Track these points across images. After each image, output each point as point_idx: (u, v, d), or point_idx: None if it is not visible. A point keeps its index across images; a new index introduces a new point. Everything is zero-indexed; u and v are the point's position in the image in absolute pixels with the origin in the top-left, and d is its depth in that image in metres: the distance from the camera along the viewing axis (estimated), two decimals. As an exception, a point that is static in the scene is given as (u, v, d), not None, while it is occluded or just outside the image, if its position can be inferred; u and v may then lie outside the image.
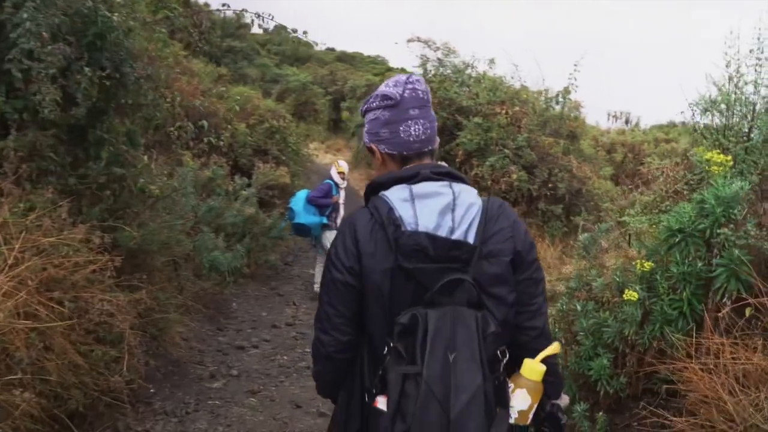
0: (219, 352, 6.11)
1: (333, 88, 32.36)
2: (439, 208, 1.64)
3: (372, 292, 1.65)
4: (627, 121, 20.29)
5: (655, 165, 5.74)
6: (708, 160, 3.63)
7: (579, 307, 3.91)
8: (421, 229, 1.61)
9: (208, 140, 9.16)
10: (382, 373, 1.57)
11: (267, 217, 9.45)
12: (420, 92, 1.79)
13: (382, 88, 1.80)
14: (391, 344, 1.57)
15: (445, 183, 1.70)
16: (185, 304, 5.96)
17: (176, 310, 5.47)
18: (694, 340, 3.19)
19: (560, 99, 8.58)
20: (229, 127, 11.31)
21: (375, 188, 1.77)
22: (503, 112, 8.91)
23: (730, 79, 4.49)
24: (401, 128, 1.75)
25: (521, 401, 1.68)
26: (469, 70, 9.11)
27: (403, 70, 38.82)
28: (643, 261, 3.66)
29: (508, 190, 8.40)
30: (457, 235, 1.62)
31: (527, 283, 1.74)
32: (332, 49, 48.99)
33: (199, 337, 6.27)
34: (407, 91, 1.77)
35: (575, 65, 8.46)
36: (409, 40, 9.14)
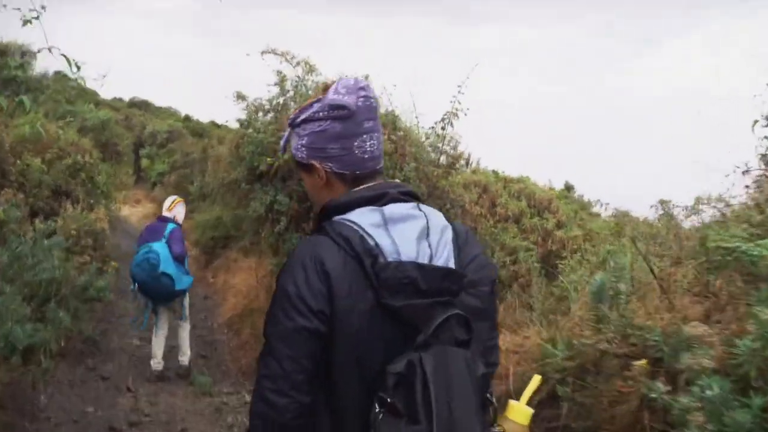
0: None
1: (129, 137, 29.60)
2: (415, 234, 1.45)
3: (345, 339, 1.40)
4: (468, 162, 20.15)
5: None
6: None
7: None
8: (405, 258, 1.40)
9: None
10: None
11: (78, 274, 7.17)
12: (372, 100, 1.57)
13: (332, 96, 1.55)
14: (387, 400, 1.33)
15: (414, 204, 1.54)
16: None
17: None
18: None
19: (443, 126, 7.51)
20: (18, 162, 8.86)
21: (331, 211, 1.53)
22: (385, 137, 7.66)
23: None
24: (355, 143, 1.55)
25: None
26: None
27: (214, 123, 37.46)
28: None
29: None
30: (439, 264, 1.42)
31: (491, 311, 1.61)
32: (120, 99, 45.86)
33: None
34: (360, 100, 1.53)
35: (459, 87, 7.43)
36: (263, 52, 7.55)
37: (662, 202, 12.07)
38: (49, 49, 2.93)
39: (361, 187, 1.56)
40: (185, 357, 7.10)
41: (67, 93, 34.03)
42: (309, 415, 1.45)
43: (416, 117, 8.04)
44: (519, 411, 1.65)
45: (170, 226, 6.83)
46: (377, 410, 1.34)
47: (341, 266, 1.42)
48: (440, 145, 7.77)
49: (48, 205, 8.65)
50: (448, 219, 1.58)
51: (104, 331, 8.41)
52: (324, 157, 1.57)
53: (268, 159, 7.14)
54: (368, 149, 1.56)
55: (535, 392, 1.74)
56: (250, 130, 7.61)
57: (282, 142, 1.75)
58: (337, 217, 1.50)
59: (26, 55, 16.82)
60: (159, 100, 48.32)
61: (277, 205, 7.26)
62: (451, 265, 1.45)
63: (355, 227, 1.44)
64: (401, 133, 7.41)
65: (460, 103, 7.53)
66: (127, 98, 47.40)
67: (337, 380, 1.44)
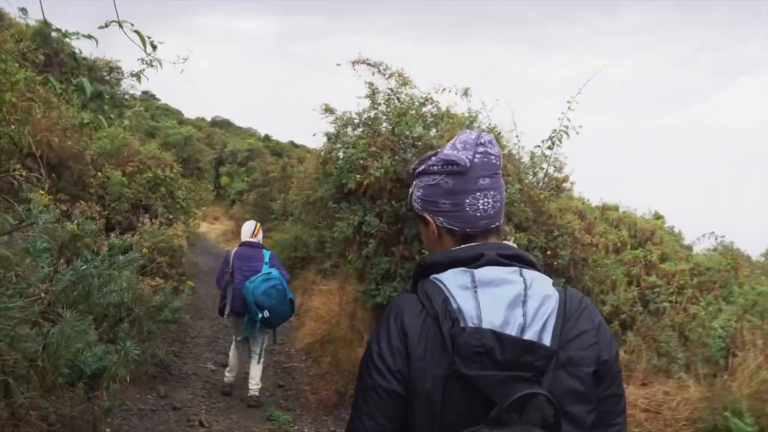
0: None
1: (210, 153, 29.99)
2: (507, 300, 1.34)
3: (420, 403, 1.34)
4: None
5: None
6: None
7: None
8: (486, 325, 1.31)
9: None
10: None
11: (154, 293, 6.74)
12: (493, 157, 1.51)
13: (448, 151, 1.51)
14: None
15: (515, 269, 1.41)
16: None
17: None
18: None
19: (550, 146, 6.77)
20: (99, 174, 8.61)
21: (426, 270, 1.48)
22: None
23: None
24: (467, 201, 1.49)
25: None
26: (429, 106, 7.12)
27: (293, 143, 37.55)
28: None
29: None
30: (529, 335, 1.31)
31: (612, 400, 1.42)
32: (203, 119, 47.15)
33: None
34: (477, 156, 1.48)
35: (569, 103, 6.67)
36: (355, 62, 7.01)
37: (786, 236, 10.83)
38: (120, 24, 2.38)
39: (462, 246, 1.49)
40: (257, 387, 6.76)
41: (152, 111, 35.01)
42: None
43: (517, 136, 7.33)
44: None
45: (267, 252, 6.75)
46: None
47: (420, 326, 1.37)
48: (546, 165, 7.02)
49: (126, 220, 8.34)
50: (561, 288, 1.45)
51: (178, 353, 7.97)
52: (436, 210, 1.53)
53: (357, 176, 6.56)
54: (481, 207, 1.49)
55: None
56: (339, 145, 7.06)
57: (411, 190, 1.65)
58: (432, 276, 1.45)
59: (113, 71, 17.03)
60: (240, 121, 49.55)
61: (366, 226, 6.67)
62: (546, 338, 1.33)
63: (442, 287, 1.39)
64: (503, 151, 6.72)
65: (569, 120, 6.79)
66: (209, 118, 48.67)
67: None
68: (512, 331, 1.31)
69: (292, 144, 37.51)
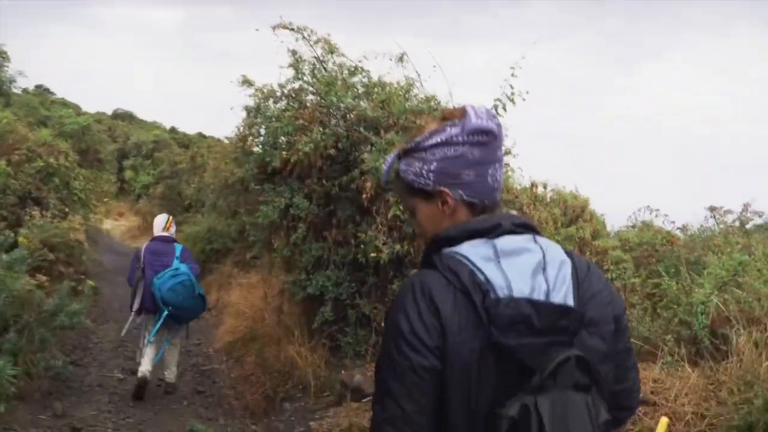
0: None
1: (111, 145, 28.26)
2: (530, 269, 1.34)
3: (455, 378, 1.31)
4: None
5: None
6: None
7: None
8: (517, 294, 1.30)
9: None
10: None
11: (47, 295, 5.78)
12: (503, 130, 1.50)
13: (475, 120, 1.43)
14: None
15: (529, 236, 1.42)
16: None
17: None
18: None
19: (497, 111, 6.24)
20: (-22, 164, 7.48)
21: (439, 244, 1.43)
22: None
23: None
24: (489, 171, 1.46)
25: None
26: (360, 76, 6.43)
27: (202, 135, 36.00)
28: None
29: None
30: (557, 300, 1.32)
31: (623, 355, 1.48)
32: (104, 113, 44.67)
33: None
34: (496, 127, 1.45)
35: (512, 69, 6.14)
36: (276, 27, 6.24)
37: (713, 209, 10.82)
38: None
39: (474, 219, 1.46)
40: (173, 375, 6.69)
41: (47, 105, 32.66)
42: None
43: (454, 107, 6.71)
44: None
45: (178, 247, 6.61)
46: None
47: (452, 302, 1.33)
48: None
49: (13, 214, 7.24)
50: (567, 252, 1.45)
51: (79, 362, 7.00)
52: (456, 183, 1.46)
53: (284, 153, 5.82)
54: (498, 179, 1.48)
55: None
56: (260, 119, 6.28)
57: (386, 168, 1.57)
58: (446, 250, 1.41)
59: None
60: (144, 114, 47.41)
61: (294, 209, 5.94)
62: (570, 301, 1.33)
63: (465, 261, 1.36)
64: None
65: (512, 87, 6.24)
66: (110, 112, 46.22)
67: (446, 423, 1.34)
68: (540, 297, 1.31)
69: (201, 135, 36.03)
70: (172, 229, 6.81)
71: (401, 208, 5.64)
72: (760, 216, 9.92)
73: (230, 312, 9.43)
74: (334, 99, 5.96)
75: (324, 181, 5.96)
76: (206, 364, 8.10)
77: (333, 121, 6.11)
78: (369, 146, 5.72)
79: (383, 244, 5.45)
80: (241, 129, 6.39)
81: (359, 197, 5.73)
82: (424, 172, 1.48)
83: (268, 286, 7.67)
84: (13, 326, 5.47)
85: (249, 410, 6.34)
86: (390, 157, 1.57)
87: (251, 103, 6.43)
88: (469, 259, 1.36)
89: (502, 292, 1.30)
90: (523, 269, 1.34)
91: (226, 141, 6.90)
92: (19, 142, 8.48)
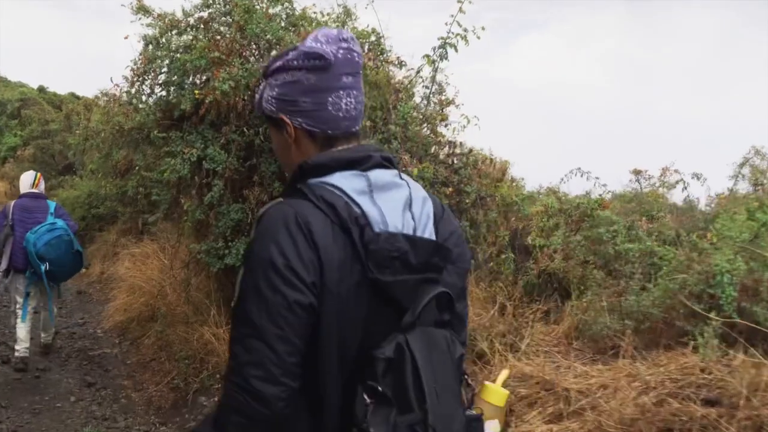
0: None
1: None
2: (401, 204, 1.34)
3: (329, 317, 1.24)
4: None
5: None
6: None
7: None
8: (392, 229, 1.28)
9: None
10: (364, 429, 1.19)
11: None
12: (356, 55, 1.40)
13: (310, 43, 1.37)
14: (378, 389, 1.20)
15: (395, 171, 1.40)
16: None
17: None
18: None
19: (445, 52, 5.36)
20: None
21: (307, 173, 1.35)
22: (367, 62, 5.26)
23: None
24: (330, 99, 1.37)
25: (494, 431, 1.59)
26: (282, 6, 5.40)
27: (74, 95, 33.28)
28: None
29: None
30: (425, 237, 1.33)
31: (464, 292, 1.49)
32: None
33: None
34: (341, 52, 1.37)
35: (451, 18, 5.28)
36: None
37: (637, 172, 10.59)
38: None
39: (340, 148, 1.39)
40: (51, 336, 6.61)
41: None
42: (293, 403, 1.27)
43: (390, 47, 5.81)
44: (495, 392, 1.66)
45: (52, 204, 6.33)
46: (367, 402, 1.21)
47: (331, 236, 1.25)
48: (431, 84, 5.61)
49: None
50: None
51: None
52: (294, 110, 1.39)
53: (196, 92, 4.74)
54: (344, 107, 1.38)
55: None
56: (162, 52, 5.13)
57: (257, 97, 1.49)
58: (314, 180, 1.33)
59: None
60: (7, 73, 43.33)
61: (208, 162, 4.88)
62: (434, 238, 1.36)
63: (339, 193, 1.30)
64: (388, 59, 5.22)
65: (461, 24, 5.41)
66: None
67: (317, 364, 1.27)
68: (409, 233, 1.30)
69: (73, 96, 33.08)
70: (41, 186, 6.45)
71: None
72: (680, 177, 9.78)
73: (121, 287, 8.17)
74: (256, 29, 4.92)
75: (245, 129, 4.94)
76: (95, 348, 6.93)
77: (253, 57, 5.08)
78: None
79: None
80: (138, 65, 5.20)
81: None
82: (269, 97, 1.42)
83: (171, 257, 6.56)
84: None
85: (153, 405, 5.32)
86: (261, 86, 1.48)
87: (150, 33, 5.25)
88: (344, 191, 1.30)
89: (378, 227, 1.27)
90: (394, 204, 1.32)
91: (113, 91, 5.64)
92: None
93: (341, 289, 1.24)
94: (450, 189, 4.95)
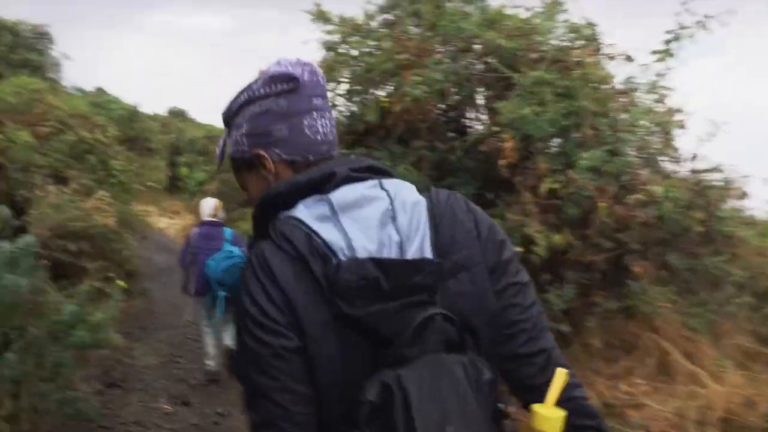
0: None
1: (159, 133, 27.41)
2: (376, 220, 1.14)
3: (319, 359, 1.10)
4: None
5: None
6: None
7: None
8: (361, 254, 1.10)
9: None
10: None
11: (63, 299, 4.27)
12: (320, 78, 1.28)
13: (274, 68, 1.26)
14: None
15: (374, 182, 1.19)
16: None
17: None
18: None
19: (666, 53, 4.40)
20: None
21: (268, 208, 1.21)
22: (586, 59, 4.43)
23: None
24: (305, 122, 1.24)
25: None
26: (476, 4, 4.73)
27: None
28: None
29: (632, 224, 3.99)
30: (412, 252, 1.12)
31: (511, 291, 1.21)
32: (157, 114, 44.63)
33: None
34: (306, 74, 1.25)
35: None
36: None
37: None
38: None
39: (304, 172, 1.22)
40: (215, 363, 6.52)
41: (105, 104, 32.10)
42: None
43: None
44: (547, 419, 1.19)
45: (228, 231, 6.41)
46: None
47: (292, 273, 1.11)
48: (655, 88, 4.61)
49: (29, 192, 5.77)
50: (434, 190, 1.25)
51: (120, 382, 5.50)
52: (269, 142, 1.25)
53: (384, 100, 4.15)
54: (320, 129, 1.26)
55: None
56: (343, 58, 4.63)
57: (219, 148, 1.36)
58: (282, 214, 1.18)
59: (43, 37, 14.19)
60: (197, 116, 47.60)
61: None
62: (426, 251, 1.14)
63: (299, 224, 1.14)
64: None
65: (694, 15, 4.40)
66: (165, 112, 46.12)
67: (324, 410, 1.17)
68: (391, 252, 1.11)
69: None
70: (221, 214, 6.70)
71: (560, 180, 3.89)
72: None
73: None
74: (450, 26, 4.25)
75: (438, 144, 4.27)
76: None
77: (447, 60, 4.41)
78: (506, 89, 3.98)
79: (536, 232, 3.71)
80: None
81: (490, 165, 4.00)
82: (239, 138, 1.29)
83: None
84: (16, 343, 3.96)
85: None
86: (221, 139, 1.36)
87: (332, 39, 4.78)
88: (303, 222, 1.14)
89: (342, 254, 1.10)
90: (368, 222, 1.14)
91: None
92: (48, 112, 7.08)
93: (312, 330, 1.09)
94: (699, 214, 3.90)
